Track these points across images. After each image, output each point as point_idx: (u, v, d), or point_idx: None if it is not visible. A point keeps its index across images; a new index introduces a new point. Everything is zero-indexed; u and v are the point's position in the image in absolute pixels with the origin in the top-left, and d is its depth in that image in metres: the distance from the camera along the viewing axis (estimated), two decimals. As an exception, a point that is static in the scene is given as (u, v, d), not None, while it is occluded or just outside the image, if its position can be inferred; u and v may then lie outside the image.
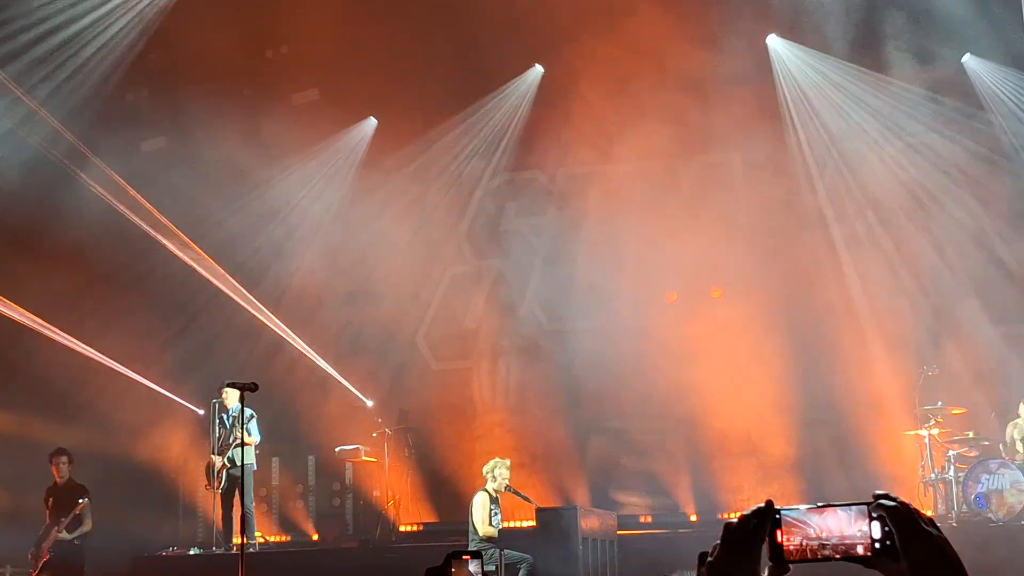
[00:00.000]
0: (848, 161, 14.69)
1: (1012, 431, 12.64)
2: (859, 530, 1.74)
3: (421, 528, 15.90)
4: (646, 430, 14.72)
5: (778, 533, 1.76)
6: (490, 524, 12.35)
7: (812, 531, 1.76)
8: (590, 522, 12.27)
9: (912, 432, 12.79)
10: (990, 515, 11.75)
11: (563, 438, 14.88)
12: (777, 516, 1.76)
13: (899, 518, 1.71)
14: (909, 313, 13.85)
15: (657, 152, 15.12)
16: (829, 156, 14.73)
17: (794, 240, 14.48)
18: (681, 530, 13.97)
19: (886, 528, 1.72)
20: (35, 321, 15.96)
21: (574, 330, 15.57)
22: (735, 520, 1.76)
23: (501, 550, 12.05)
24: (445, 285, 16.69)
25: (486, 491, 12.54)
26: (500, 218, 16.40)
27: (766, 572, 1.75)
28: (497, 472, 12.64)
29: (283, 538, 16.70)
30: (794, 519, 1.77)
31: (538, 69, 16.18)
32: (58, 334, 16.11)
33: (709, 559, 1.75)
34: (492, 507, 12.51)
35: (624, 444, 14.87)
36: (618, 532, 13.09)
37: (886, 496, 1.75)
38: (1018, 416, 12.67)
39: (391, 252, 16.01)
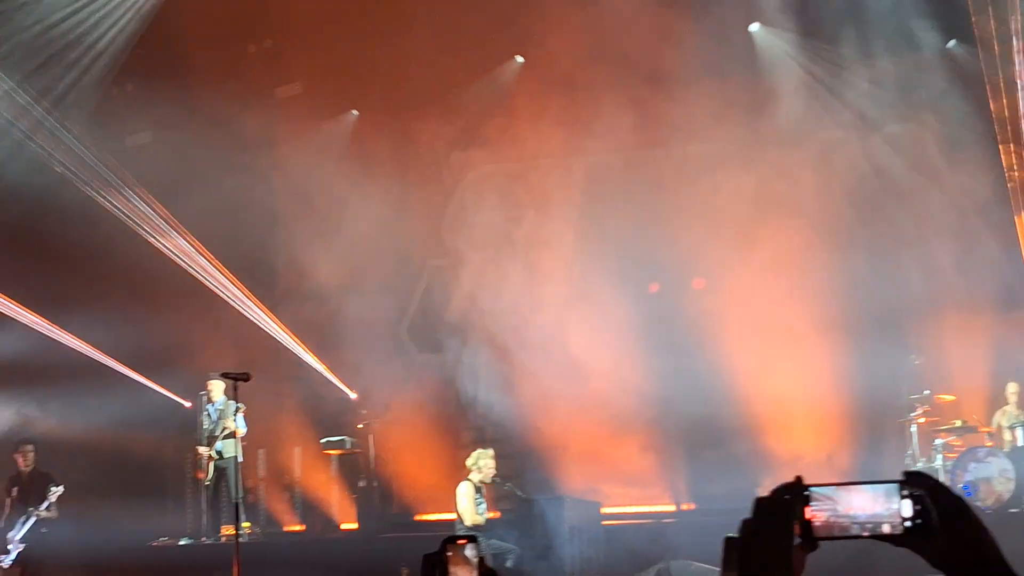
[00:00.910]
0: (828, 148, 14.68)
1: (999, 418, 12.69)
2: (889, 508, 1.73)
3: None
4: (631, 420, 14.72)
5: (807, 510, 1.74)
6: (476, 514, 12.37)
7: (841, 508, 1.75)
8: (576, 512, 12.29)
9: (898, 421, 12.83)
10: (978, 504, 11.77)
11: (548, 428, 14.88)
12: (806, 492, 1.75)
13: (939, 497, 1.70)
14: (893, 301, 13.87)
15: (637, 143, 15.12)
16: (810, 143, 14.71)
17: (776, 229, 14.47)
18: (666, 520, 14.01)
19: (918, 507, 1.72)
20: (22, 313, 15.98)
21: (557, 321, 15.55)
22: (766, 496, 1.75)
23: (488, 540, 12.07)
24: (427, 277, 16.69)
25: (470, 481, 12.57)
26: (480, 210, 16.35)
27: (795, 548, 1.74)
28: (481, 463, 12.67)
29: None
30: (823, 496, 1.75)
31: (518, 60, 16.17)
32: (47, 327, 16.15)
33: (739, 534, 1.74)
34: (477, 497, 12.54)
35: (609, 434, 14.86)
36: (604, 522, 13.11)
37: (920, 474, 1.74)
38: (1005, 403, 12.73)
39: (373, 244, 15.98)
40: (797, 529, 1.73)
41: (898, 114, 14.51)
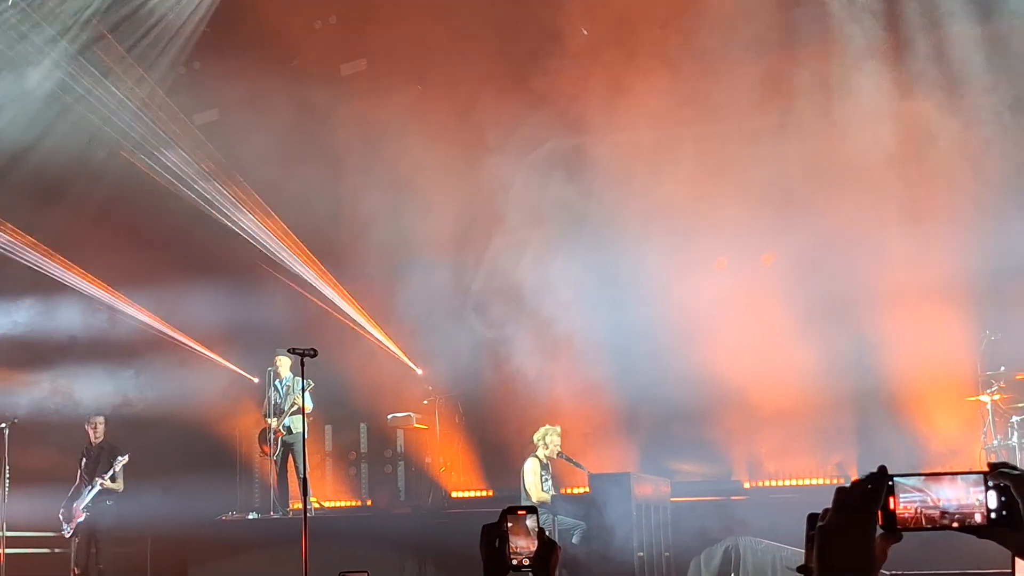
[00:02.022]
0: (902, 117, 14.32)
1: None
2: (976, 499, 1.71)
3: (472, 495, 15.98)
4: (698, 396, 14.59)
5: (891, 500, 1.72)
6: (542, 490, 12.36)
7: (929, 499, 1.73)
8: (643, 488, 12.24)
9: (973, 398, 12.57)
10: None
11: (614, 405, 14.80)
12: (890, 483, 1.73)
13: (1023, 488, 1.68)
14: (968, 274, 13.53)
15: (705, 116, 14.93)
16: (884, 112, 14.35)
17: (845, 201, 14.18)
18: (734, 497, 13.89)
19: (1003, 498, 1.69)
20: (95, 290, 16.29)
21: (623, 297, 15.43)
22: (848, 486, 1.74)
23: (554, 516, 12.05)
24: (493, 253, 16.61)
25: (537, 457, 12.57)
26: (545, 185, 16.23)
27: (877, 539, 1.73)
28: (548, 439, 12.67)
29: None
30: (910, 486, 1.73)
31: (584, 34, 15.96)
32: (119, 303, 16.44)
33: (820, 523, 1.73)
34: (543, 473, 12.54)
35: (676, 411, 14.74)
36: (672, 499, 13.04)
37: (1006, 465, 1.72)
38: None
39: (438, 220, 15.98)
40: (881, 519, 1.72)
41: (979, 82, 14.11)
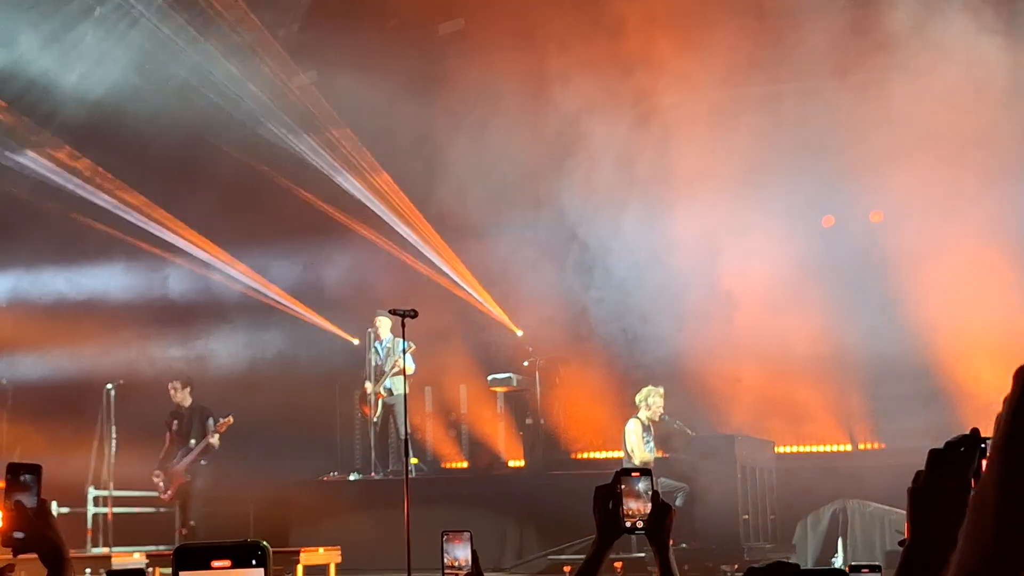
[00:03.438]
0: (1014, 71, 13.77)
1: None
2: None
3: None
4: (803, 357, 14.32)
5: (983, 463, 1.64)
6: (644, 451, 12.28)
7: None
8: (748, 450, 12.08)
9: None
10: None
11: (717, 366, 14.60)
12: (983, 445, 1.66)
13: None
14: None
15: (808, 73, 14.56)
16: (995, 68, 13.81)
17: (958, 158, 13.71)
18: (842, 459, 13.66)
19: None
20: (197, 250, 16.54)
21: (724, 259, 15.19)
22: (940, 448, 1.70)
23: (656, 478, 11.94)
24: (591, 213, 16.44)
25: (638, 419, 12.48)
26: (645, 145, 15.97)
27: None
28: (651, 400, 12.58)
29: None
30: None
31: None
32: (221, 264, 16.67)
33: (913, 486, 1.70)
34: (645, 435, 12.46)
35: (781, 371, 14.49)
36: (778, 460, 12.87)
37: None
38: None
39: (536, 180, 15.88)
40: (974, 483, 1.66)
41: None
